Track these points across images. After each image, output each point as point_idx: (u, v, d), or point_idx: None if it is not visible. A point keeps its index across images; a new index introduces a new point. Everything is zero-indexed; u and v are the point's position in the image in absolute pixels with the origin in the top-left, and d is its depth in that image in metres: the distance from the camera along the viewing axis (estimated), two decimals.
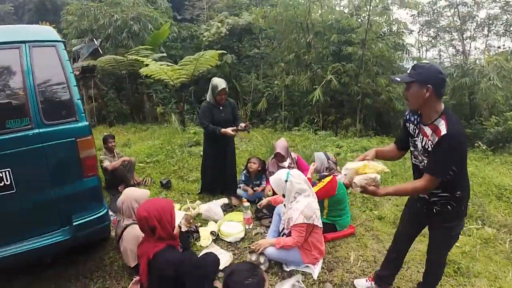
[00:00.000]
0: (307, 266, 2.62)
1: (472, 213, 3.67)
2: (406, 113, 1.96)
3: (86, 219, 2.27)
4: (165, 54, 10.13)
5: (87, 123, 2.33)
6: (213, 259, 2.18)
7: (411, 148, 1.92)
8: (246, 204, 3.35)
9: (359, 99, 7.49)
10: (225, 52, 9.98)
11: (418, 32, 9.15)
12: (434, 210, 1.90)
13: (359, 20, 7.77)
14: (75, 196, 2.26)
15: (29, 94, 2.11)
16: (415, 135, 1.85)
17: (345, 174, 1.80)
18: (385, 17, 7.59)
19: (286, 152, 3.82)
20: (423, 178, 1.73)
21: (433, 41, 8.92)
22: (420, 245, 2.95)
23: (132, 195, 2.52)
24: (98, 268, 2.76)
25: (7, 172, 2.04)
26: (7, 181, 2.04)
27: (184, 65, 7.80)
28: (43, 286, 2.55)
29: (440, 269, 2.19)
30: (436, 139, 1.67)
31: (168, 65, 7.77)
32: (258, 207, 3.35)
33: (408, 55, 8.64)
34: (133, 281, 2.34)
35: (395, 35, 8.06)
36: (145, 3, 11.49)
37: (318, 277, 2.55)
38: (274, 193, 3.35)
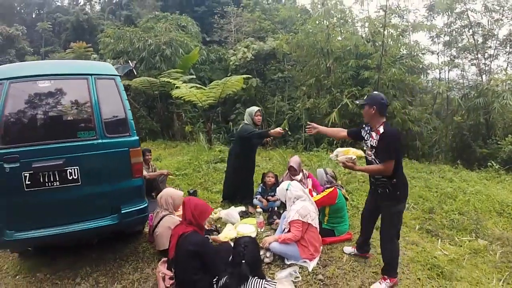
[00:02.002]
0: (305, 261, 3.20)
1: (466, 226, 4.06)
2: (364, 124, 2.94)
3: (131, 209, 3.04)
4: (194, 76, 11.23)
5: (137, 138, 3.13)
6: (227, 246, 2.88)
7: (365, 148, 2.86)
8: (259, 210, 4.08)
9: None
10: (250, 76, 10.90)
11: (437, 53, 9.52)
12: (379, 191, 2.82)
13: (376, 45, 8.37)
14: (124, 191, 3.04)
15: (95, 113, 2.96)
16: (367, 139, 2.82)
17: (336, 155, 2.77)
18: (398, 43, 8.15)
19: (298, 167, 4.48)
20: (380, 165, 2.67)
21: (455, 61, 9.24)
22: (409, 252, 3.44)
23: (169, 193, 3.37)
24: (132, 254, 3.51)
25: (75, 169, 2.85)
26: (75, 175, 2.85)
27: (212, 88, 8.77)
28: (85, 264, 3.28)
29: (390, 244, 2.86)
30: (378, 136, 2.67)
31: (197, 88, 8.75)
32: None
33: (426, 77, 9.07)
34: (161, 261, 3.06)
35: (412, 59, 8.55)
36: (177, 29, 12.87)
37: (312, 270, 3.12)
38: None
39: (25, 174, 2.71)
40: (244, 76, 8.98)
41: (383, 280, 2.88)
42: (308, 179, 4.49)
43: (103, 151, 2.94)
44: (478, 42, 8.71)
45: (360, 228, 3.32)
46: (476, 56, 8.73)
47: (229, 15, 16.89)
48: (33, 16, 39.27)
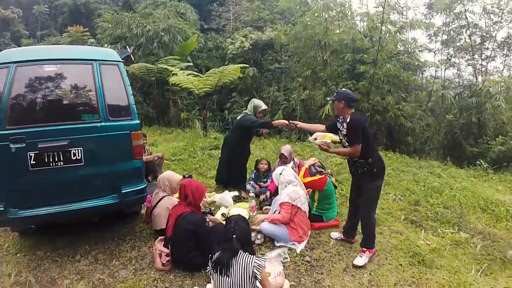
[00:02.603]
0: (293, 244, 3.43)
1: (450, 219, 4.30)
2: (337, 117, 3.32)
3: (131, 189, 3.21)
4: (191, 64, 11.29)
5: (138, 121, 3.31)
6: (220, 226, 3.09)
7: (340, 137, 3.24)
8: (251, 195, 4.32)
9: (369, 115, 8.23)
10: (247, 65, 11.00)
11: (434, 52, 9.73)
12: (359, 171, 3.16)
13: (373, 40, 8.53)
14: (125, 172, 3.22)
15: (99, 97, 3.11)
16: (340, 129, 3.22)
17: (314, 139, 3.20)
18: (395, 39, 8.33)
19: (289, 155, 4.67)
20: (349, 148, 3.10)
21: (451, 60, 9.48)
22: (393, 240, 3.68)
23: (167, 176, 3.61)
24: (130, 233, 3.71)
25: (79, 150, 3.01)
26: (78, 156, 3.01)
27: (209, 76, 8.87)
28: (85, 243, 3.45)
29: (368, 221, 3.23)
30: (346, 125, 3.09)
31: (194, 75, 8.86)
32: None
33: (422, 74, 9.29)
34: (158, 239, 3.26)
35: (408, 55, 8.75)
36: (175, 16, 12.84)
37: (300, 252, 3.36)
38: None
39: (30, 154, 2.85)
40: (241, 65, 9.09)
41: (363, 253, 3.22)
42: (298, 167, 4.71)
43: (106, 134, 3.10)
44: (476, 43, 8.93)
45: (348, 213, 3.60)
46: (473, 56, 8.97)
47: (228, 3, 16.83)
48: None
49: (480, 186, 5.76)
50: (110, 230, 3.72)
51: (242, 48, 12.13)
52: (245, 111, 4.80)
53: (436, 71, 9.82)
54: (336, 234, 3.66)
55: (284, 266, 3.11)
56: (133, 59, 10.09)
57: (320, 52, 9.29)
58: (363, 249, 3.24)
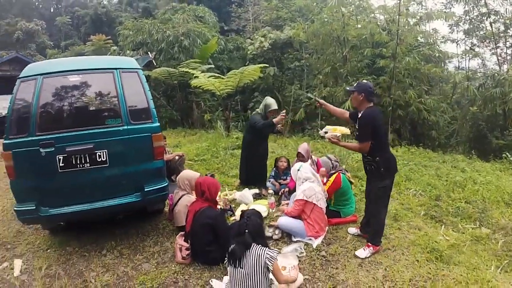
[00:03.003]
0: (310, 239, 3.48)
1: (471, 214, 4.16)
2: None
3: (153, 188, 3.40)
4: (212, 66, 11.53)
5: (158, 124, 3.50)
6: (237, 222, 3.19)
7: (355, 130, 3.20)
8: (270, 191, 4.42)
9: (391, 110, 8.06)
10: (267, 65, 11.07)
11: (457, 42, 9.32)
12: (367, 168, 3.17)
13: (391, 33, 8.33)
14: (147, 171, 3.41)
15: (121, 103, 3.32)
16: (356, 121, 3.14)
17: (325, 132, 3.20)
18: (414, 31, 8.08)
19: (306, 153, 4.69)
20: (357, 143, 3.10)
21: (474, 50, 9.05)
22: (411, 236, 3.62)
23: (186, 175, 3.80)
24: (153, 230, 3.91)
25: (104, 152, 3.23)
26: (103, 158, 3.24)
27: (230, 77, 9.07)
28: (110, 239, 3.67)
29: (376, 218, 3.21)
30: (358, 119, 3.04)
31: (215, 77, 9.07)
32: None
33: (444, 66, 8.94)
34: (178, 235, 3.42)
35: (429, 48, 8.46)
36: (194, 19, 13.15)
37: (316, 247, 3.39)
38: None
39: (59, 157, 3.11)
40: (261, 65, 9.19)
41: (366, 247, 3.23)
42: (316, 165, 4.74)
43: (128, 136, 3.31)
44: (499, 31, 8.49)
45: (365, 209, 3.58)
46: (497, 45, 8.53)
47: (247, 3, 16.98)
48: (51, 10, 40.39)
49: (505, 180, 5.50)
50: (134, 227, 3.94)
51: (261, 48, 12.22)
52: (257, 109, 4.90)
53: (459, 62, 9.41)
54: (353, 230, 3.66)
55: (300, 260, 3.17)
56: (155, 64, 10.45)
57: (339, 48, 9.21)
58: (368, 243, 3.25)
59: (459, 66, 9.35)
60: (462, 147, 8.33)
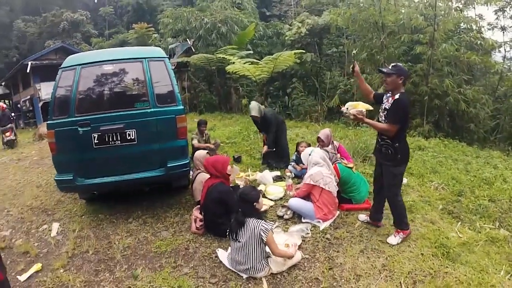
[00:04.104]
0: (319, 221, 3.55)
1: (492, 213, 3.88)
2: (386, 92, 3.15)
3: (175, 164, 3.71)
4: (251, 52, 11.63)
5: (183, 107, 3.79)
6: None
7: (380, 110, 3.13)
8: (288, 174, 4.58)
9: (427, 99, 7.60)
10: (304, 51, 10.89)
11: (504, 29, 8.36)
12: (382, 150, 3.11)
13: (429, 17, 7.75)
14: (171, 149, 3.71)
15: (148, 88, 3.65)
16: (383, 103, 3.09)
17: (347, 108, 3.04)
18: (452, 16, 7.42)
19: (326, 138, 4.62)
20: (386, 125, 2.99)
21: None
22: (423, 229, 3.51)
23: (198, 155, 4.06)
24: (176, 203, 4.24)
25: (133, 131, 3.59)
26: (132, 136, 3.59)
27: (265, 63, 9.16)
28: (138, 209, 4.07)
29: (395, 201, 3.17)
30: (393, 101, 2.95)
31: (250, 63, 9.20)
32: None
33: (490, 55, 8.13)
34: (195, 207, 3.71)
35: (471, 34, 7.74)
36: (232, 6, 13.21)
37: (323, 230, 3.46)
38: None
39: (94, 135, 3.51)
40: (296, 51, 9.13)
41: (396, 233, 3.21)
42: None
43: (155, 117, 3.63)
44: None
45: (373, 195, 3.53)
46: None
47: None
48: (95, 1, 42.17)
49: None
50: (160, 200, 4.30)
51: (299, 34, 12.04)
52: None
53: (507, 52, 8.45)
54: (363, 217, 3.65)
55: (304, 240, 3.28)
56: (193, 50, 10.78)
57: (377, 34, 8.79)
58: (397, 229, 3.22)
59: (505, 55, 8.39)
60: (503, 144, 7.62)
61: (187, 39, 11.25)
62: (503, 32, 8.33)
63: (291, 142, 6.00)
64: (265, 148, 5.26)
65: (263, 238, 2.57)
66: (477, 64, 8.08)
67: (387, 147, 3.05)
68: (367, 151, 5.55)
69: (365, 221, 3.61)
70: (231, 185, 3.72)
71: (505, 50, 8.26)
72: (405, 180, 4.60)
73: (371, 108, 3.09)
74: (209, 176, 3.53)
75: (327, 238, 3.34)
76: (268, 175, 4.77)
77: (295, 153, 5.19)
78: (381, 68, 3.16)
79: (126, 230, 3.68)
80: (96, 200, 4.40)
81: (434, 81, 7.35)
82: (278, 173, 5.00)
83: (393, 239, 3.18)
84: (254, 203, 2.74)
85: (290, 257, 2.82)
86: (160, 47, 14.10)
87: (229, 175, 3.55)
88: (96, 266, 3.14)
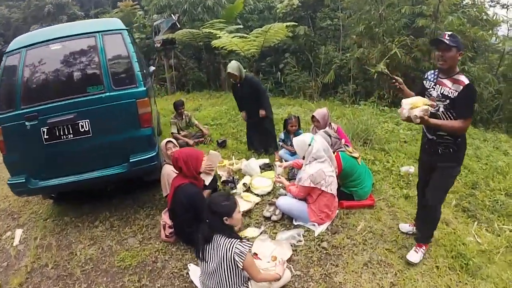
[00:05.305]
0: (313, 224, 2.91)
1: (510, 211, 3.28)
2: (427, 74, 2.44)
3: (139, 158, 3.04)
4: (241, 26, 10.61)
5: (144, 88, 3.05)
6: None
7: (427, 96, 2.34)
8: (277, 163, 3.74)
9: None
10: (296, 24, 9.94)
11: (506, 7, 7.55)
12: (440, 151, 2.36)
13: None
14: (133, 141, 3.04)
15: (102, 68, 2.94)
16: (430, 88, 2.34)
17: (403, 109, 2.14)
18: None
19: (323, 119, 3.84)
20: (459, 121, 2.17)
21: None
22: (437, 232, 2.80)
23: (161, 143, 3.34)
24: (149, 201, 3.60)
25: (86, 122, 2.92)
26: (86, 128, 2.93)
27: (255, 37, 8.18)
28: (106, 210, 3.47)
29: (437, 210, 2.52)
30: (461, 87, 2.15)
31: (239, 37, 8.25)
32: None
33: (492, 32, 7.35)
34: (164, 210, 3.04)
35: (476, 9, 6.92)
36: None
37: (318, 236, 2.82)
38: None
39: (43, 130, 2.87)
40: (288, 24, 8.21)
41: (418, 248, 2.60)
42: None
43: (111, 104, 2.93)
44: None
45: (417, 201, 2.84)
46: None
47: None
48: None
49: None
50: (131, 197, 3.65)
51: (291, 6, 11.00)
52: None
53: (509, 30, 7.59)
54: (406, 227, 2.90)
55: (295, 250, 2.67)
56: (179, 26, 9.77)
57: (375, 5, 7.87)
58: (420, 243, 2.60)
59: (508, 34, 7.56)
60: (505, 125, 6.96)
61: (172, 15, 10.19)
62: (507, 10, 7.48)
63: (281, 122, 5.22)
64: (262, 112, 4.32)
65: (238, 264, 1.91)
66: (482, 41, 7.27)
67: (447, 145, 2.32)
68: (368, 134, 4.84)
69: (411, 232, 2.87)
70: (210, 178, 2.98)
71: (507, 28, 7.37)
72: (412, 169, 3.96)
73: (433, 103, 2.20)
74: (177, 173, 2.82)
75: (323, 247, 2.72)
76: (254, 163, 4.05)
77: (284, 130, 4.42)
78: (440, 37, 2.17)
79: (90, 237, 3.12)
80: (63, 199, 3.79)
81: None
82: (266, 160, 4.28)
83: (415, 256, 2.55)
84: (224, 218, 2.03)
85: (275, 279, 2.17)
86: (145, 24, 13.17)
87: (201, 173, 2.83)
88: (54, 284, 2.65)
